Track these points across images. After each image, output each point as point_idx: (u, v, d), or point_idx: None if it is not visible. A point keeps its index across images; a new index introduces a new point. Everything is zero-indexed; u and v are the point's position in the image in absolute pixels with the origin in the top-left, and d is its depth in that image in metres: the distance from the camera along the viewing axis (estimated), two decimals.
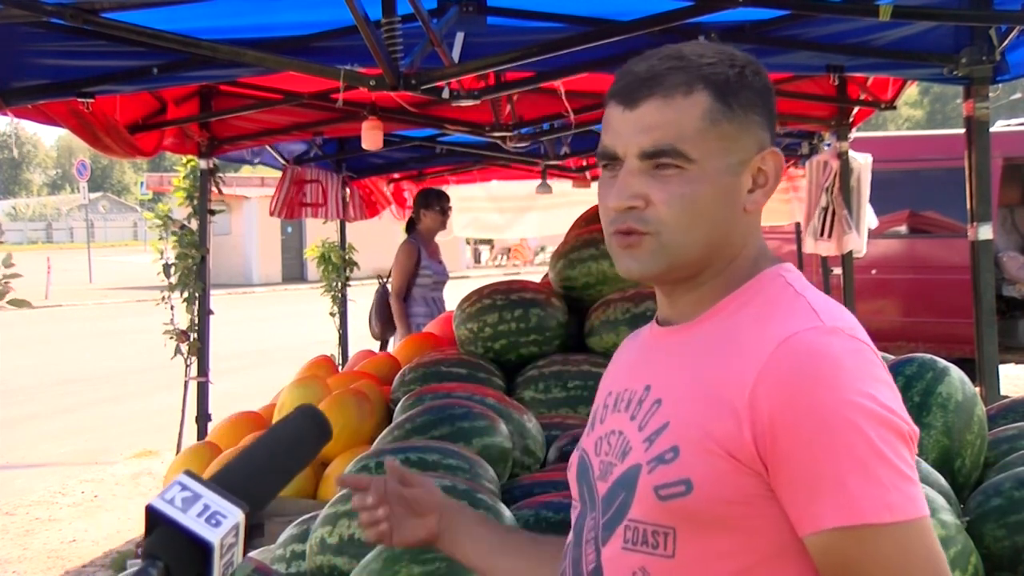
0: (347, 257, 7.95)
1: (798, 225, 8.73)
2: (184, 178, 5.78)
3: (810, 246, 6.45)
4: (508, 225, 10.35)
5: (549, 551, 1.42)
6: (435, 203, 6.29)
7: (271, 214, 6.75)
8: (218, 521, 0.92)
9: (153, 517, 0.93)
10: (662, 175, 1.17)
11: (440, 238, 6.67)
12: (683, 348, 1.22)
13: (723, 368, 1.15)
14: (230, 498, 0.95)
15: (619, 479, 1.20)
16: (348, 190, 7.29)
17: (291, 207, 6.67)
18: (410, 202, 7.54)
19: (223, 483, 0.97)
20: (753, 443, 1.10)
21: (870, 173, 6.11)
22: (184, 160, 5.86)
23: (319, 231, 8.59)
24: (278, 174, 6.72)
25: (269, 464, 1.05)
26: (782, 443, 1.08)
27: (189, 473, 0.97)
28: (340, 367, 5.41)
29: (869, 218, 6.30)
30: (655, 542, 1.15)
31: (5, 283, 3.11)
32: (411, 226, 6.44)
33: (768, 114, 1.23)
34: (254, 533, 3.10)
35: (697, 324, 1.23)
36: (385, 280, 6.53)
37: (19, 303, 3.17)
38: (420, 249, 6.26)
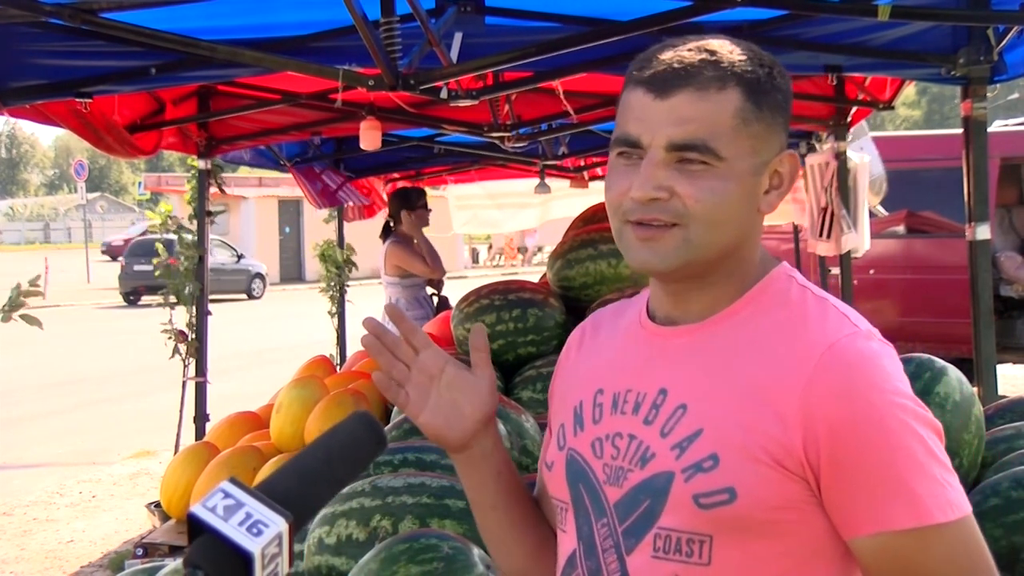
0: (346, 257, 7.95)
1: (796, 225, 8.75)
2: (192, 178, 5.76)
3: (809, 246, 6.46)
4: (507, 220, 10.37)
5: (543, 533, 1.39)
6: (416, 201, 6.18)
7: (318, 207, 6.90)
8: (260, 530, 0.90)
9: (194, 525, 0.91)
10: (689, 169, 1.14)
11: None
12: (699, 351, 1.20)
13: (760, 374, 1.14)
14: (274, 507, 0.93)
15: (641, 486, 1.17)
16: (349, 189, 7.29)
17: (329, 197, 6.76)
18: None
19: (268, 491, 0.95)
20: (803, 450, 1.10)
21: (868, 173, 6.12)
22: (187, 160, 5.85)
23: (318, 231, 8.59)
24: (277, 175, 6.74)
25: (319, 472, 1.02)
26: (840, 448, 1.09)
27: (233, 480, 0.95)
28: (338, 367, 5.41)
29: (879, 210, 6.28)
30: (690, 550, 1.13)
31: (23, 298, 3.14)
32: (387, 231, 6.23)
33: (788, 117, 1.23)
34: None
35: (710, 325, 1.21)
36: (436, 292, 6.41)
37: (31, 320, 3.20)
38: (409, 247, 6.19)
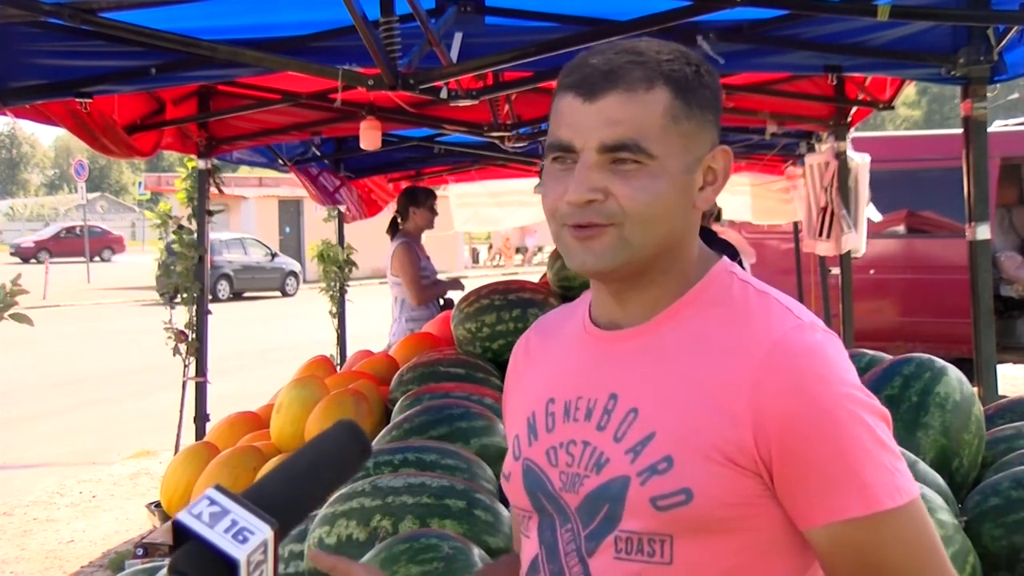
0: (346, 257, 7.95)
1: (796, 225, 8.75)
2: (185, 179, 5.77)
3: (809, 246, 6.46)
4: (507, 217, 10.37)
5: None
6: (424, 200, 6.21)
7: (321, 204, 6.93)
8: (245, 538, 0.91)
9: (180, 531, 0.91)
10: (622, 170, 1.16)
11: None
12: (645, 354, 1.21)
13: (708, 373, 1.16)
14: (260, 514, 0.93)
15: (597, 491, 1.18)
16: (347, 190, 7.29)
17: (329, 196, 6.77)
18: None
19: (254, 498, 0.96)
20: (754, 445, 1.12)
21: (868, 173, 6.12)
22: (185, 160, 5.86)
23: (318, 231, 8.59)
24: (277, 175, 6.75)
25: (304, 480, 1.03)
26: (790, 443, 1.11)
27: (219, 488, 0.95)
28: (338, 367, 5.41)
29: (871, 213, 6.29)
30: (651, 550, 1.15)
31: (10, 297, 3.13)
32: (394, 227, 6.27)
33: (719, 113, 1.24)
34: None
35: (653, 327, 1.22)
36: (444, 303, 6.39)
37: (21, 318, 3.19)
38: (416, 250, 6.22)
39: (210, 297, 5.56)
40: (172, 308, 5.67)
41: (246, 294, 24.95)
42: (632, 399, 1.19)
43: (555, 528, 1.23)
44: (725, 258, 1.28)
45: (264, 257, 25.48)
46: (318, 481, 1.05)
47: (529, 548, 1.28)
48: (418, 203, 6.11)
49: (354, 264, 8.04)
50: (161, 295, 5.74)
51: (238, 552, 0.90)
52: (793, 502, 1.13)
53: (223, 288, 23.94)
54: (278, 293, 25.19)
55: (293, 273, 25.72)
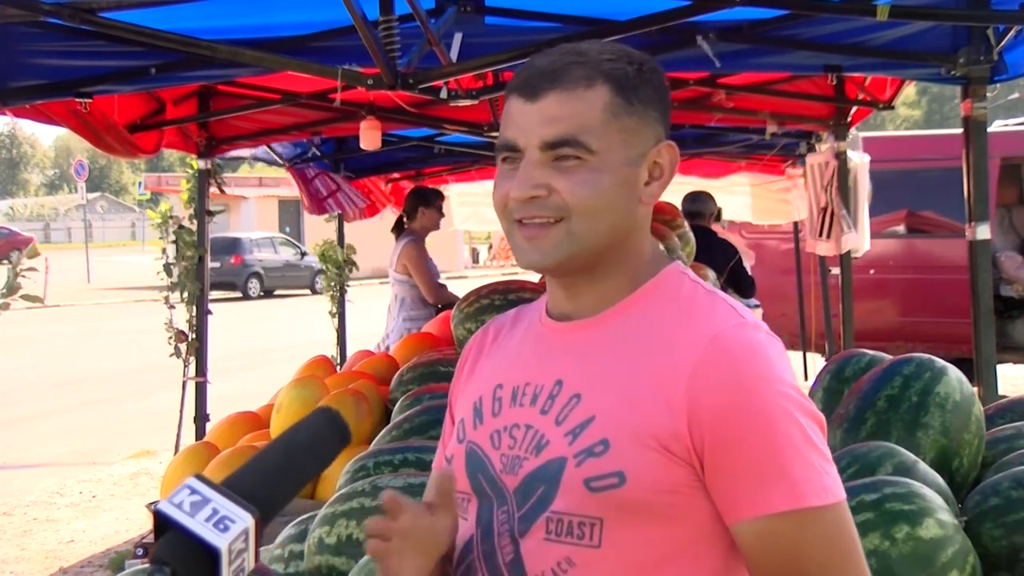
0: (346, 257, 7.94)
1: (796, 225, 8.76)
2: (189, 179, 5.76)
3: (810, 246, 6.45)
4: None
5: None
6: (434, 201, 6.22)
7: (309, 212, 6.90)
8: (226, 526, 0.91)
9: (161, 521, 0.91)
10: (564, 166, 1.19)
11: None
12: (594, 344, 1.24)
13: (651, 363, 1.18)
14: (240, 503, 0.93)
15: (535, 473, 1.20)
16: (344, 193, 7.29)
17: (318, 204, 6.76)
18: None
19: (234, 487, 0.96)
20: (688, 435, 1.14)
21: (868, 173, 6.12)
22: (188, 159, 5.86)
23: (319, 231, 8.59)
24: (277, 175, 6.75)
25: (283, 468, 1.03)
26: (722, 434, 1.13)
27: (199, 477, 0.95)
28: (338, 367, 5.41)
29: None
30: (580, 533, 1.16)
31: (20, 276, 3.13)
32: (400, 225, 6.28)
33: (664, 110, 1.26)
34: None
35: (603, 320, 1.25)
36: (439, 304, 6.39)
37: (31, 298, 3.19)
38: (424, 248, 6.21)
39: (240, 295, 5.58)
40: (171, 308, 5.67)
41: (276, 292, 25.56)
42: (576, 385, 1.22)
43: (492, 510, 1.24)
44: (679, 262, 1.31)
45: (294, 256, 26.22)
46: (297, 469, 1.05)
47: (465, 529, 1.28)
48: (428, 203, 6.12)
49: (354, 264, 8.04)
50: (165, 291, 5.73)
51: (219, 541, 0.90)
52: (722, 494, 1.15)
53: (254, 286, 24.88)
54: (307, 291, 25.58)
55: (323, 271, 25.94)
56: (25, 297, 3.20)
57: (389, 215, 8.15)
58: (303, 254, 26.02)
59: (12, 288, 3.15)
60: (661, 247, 1.34)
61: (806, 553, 1.14)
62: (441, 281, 6.27)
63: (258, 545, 0.95)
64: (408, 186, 8.29)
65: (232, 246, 25.41)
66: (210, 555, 0.90)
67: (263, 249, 25.66)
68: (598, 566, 1.16)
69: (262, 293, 25.02)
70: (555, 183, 1.19)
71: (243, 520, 0.92)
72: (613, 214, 1.21)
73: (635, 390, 1.17)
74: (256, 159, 6.77)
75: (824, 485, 1.13)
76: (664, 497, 1.15)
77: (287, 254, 26.19)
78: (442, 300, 5.97)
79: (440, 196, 6.34)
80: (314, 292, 25.29)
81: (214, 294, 25.66)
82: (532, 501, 1.20)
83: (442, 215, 6.24)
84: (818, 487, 1.13)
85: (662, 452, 1.14)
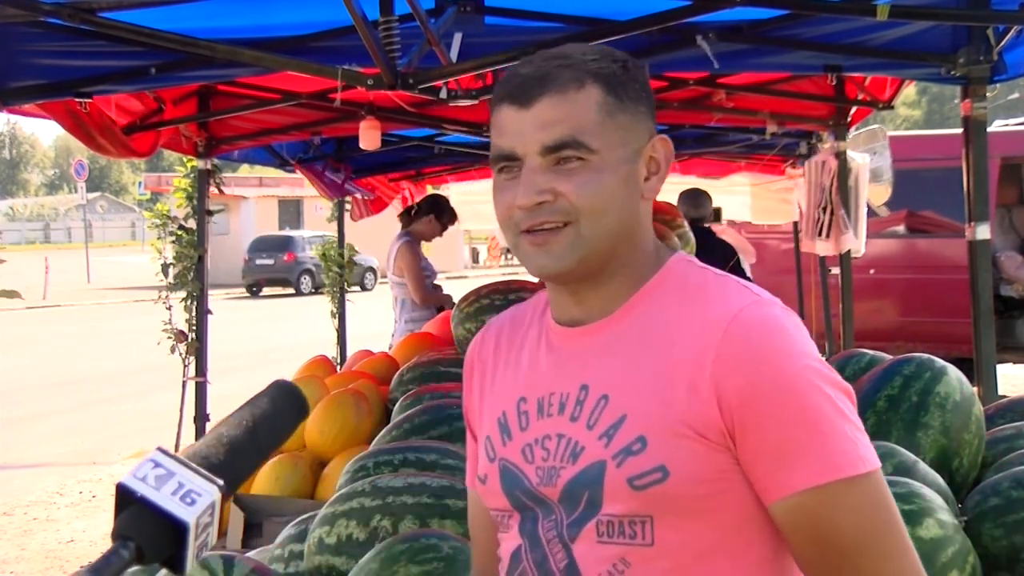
0: (347, 257, 7.94)
1: (796, 225, 8.75)
2: (184, 178, 5.77)
3: (808, 246, 6.45)
4: None
5: None
6: (446, 218, 6.25)
7: (330, 199, 6.99)
8: (193, 500, 0.88)
9: (124, 496, 0.88)
10: (566, 169, 1.19)
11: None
12: (612, 344, 1.23)
13: (672, 353, 1.18)
14: (206, 476, 0.91)
15: (576, 479, 1.19)
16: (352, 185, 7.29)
17: (338, 189, 6.82)
18: (411, 201, 7.51)
19: (198, 460, 0.93)
20: (720, 418, 1.14)
21: (868, 173, 6.12)
22: (185, 160, 5.86)
23: (318, 231, 8.58)
24: (277, 175, 6.75)
25: (244, 442, 1.00)
26: (751, 413, 1.13)
27: (162, 449, 0.92)
28: (338, 367, 5.41)
29: (881, 212, 6.28)
30: (632, 532, 1.16)
31: None
32: (408, 213, 6.27)
33: (651, 105, 1.27)
34: (252, 533, 3.09)
35: (616, 319, 1.24)
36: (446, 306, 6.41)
37: (9, 293, 3.17)
38: (419, 250, 6.22)
39: (293, 291, 5.61)
40: (170, 309, 5.67)
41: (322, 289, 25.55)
42: (602, 387, 1.21)
43: (537, 520, 1.24)
44: (681, 252, 1.31)
45: None
46: (259, 442, 1.03)
47: (508, 542, 1.28)
48: (440, 215, 6.17)
49: (355, 264, 8.03)
50: (164, 292, 5.73)
51: (187, 515, 0.87)
52: (756, 474, 1.14)
53: (306, 282, 25.79)
54: (357, 288, 25.65)
55: (372, 269, 26.50)
56: (3, 293, 3.18)
57: (388, 216, 8.15)
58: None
59: None
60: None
61: (843, 524, 1.13)
62: (437, 282, 6.29)
63: (222, 518, 0.93)
64: (408, 186, 8.31)
65: (285, 243, 26.21)
66: (176, 529, 0.87)
67: (315, 246, 25.69)
68: (653, 563, 1.16)
69: (313, 289, 25.23)
70: (559, 186, 1.18)
71: (209, 493, 0.90)
72: (619, 212, 1.21)
73: (662, 383, 1.17)
74: (252, 162, 6.75)
75: (859, 455, 1.13)
76: (709, 486, 1.14)
77: None
78: (432, 302, 5.98)
79: (454, 219, 6.38)
80: (363, 289, 25.76)
81: (267, 290, 25.91)
82: (581, 507, 1.19)
83: (443, 232, 6.29)
84: (853, 458, 1.12)
85: (700, 440, 1.14)
